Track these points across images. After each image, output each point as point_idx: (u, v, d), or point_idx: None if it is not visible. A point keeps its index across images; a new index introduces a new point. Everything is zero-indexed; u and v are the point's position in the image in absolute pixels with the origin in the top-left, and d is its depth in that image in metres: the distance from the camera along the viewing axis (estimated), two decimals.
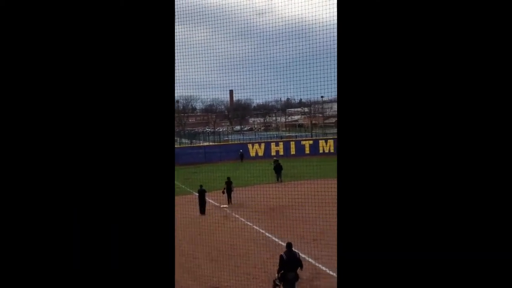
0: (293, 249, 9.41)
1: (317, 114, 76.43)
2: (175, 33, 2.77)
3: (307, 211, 13.97)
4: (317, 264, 11.53)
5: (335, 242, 10.06)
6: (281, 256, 9.24)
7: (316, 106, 73.65)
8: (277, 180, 26.92)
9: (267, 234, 14.74)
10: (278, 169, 27.45)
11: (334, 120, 77.56)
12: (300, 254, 9.66)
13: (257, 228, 15.92)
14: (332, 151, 42.46)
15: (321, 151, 42.22)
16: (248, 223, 16.59)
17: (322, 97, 60.71)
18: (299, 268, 9.22)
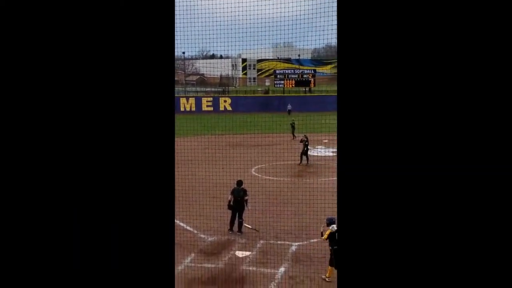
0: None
1: (178, 71, 75.21)
2: None
3: None
4: (174, 220, 11.80)
5: (194, 199, 10.28)
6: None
7: (177, 62, 72.37)
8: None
9: None
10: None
11: (195, 78, 77.25)
12: None
13: None
14: (193, 109, 42.59)
15: (182, 109, 42.08)
16: None
17: (183, 53, 59.81)
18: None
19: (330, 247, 8.34)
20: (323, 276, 8.43)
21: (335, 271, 8.19)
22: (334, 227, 8.17)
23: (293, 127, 28.82)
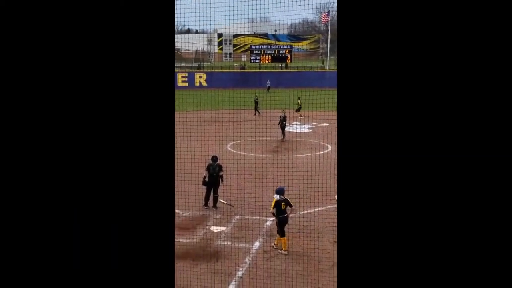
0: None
1: None
2: None
3: None
4: None
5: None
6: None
7: None
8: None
9: None
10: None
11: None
12: None
13: None
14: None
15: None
16: None
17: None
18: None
19: (275, 216, 8.59)
20: (280, 250, 8.58)
21: (287, 240, 8.44)
22: (277, 196, 8.53)
23: (256, 102, 28.79)
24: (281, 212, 8.52)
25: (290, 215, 8.72)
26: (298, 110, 27.05)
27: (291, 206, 8.66)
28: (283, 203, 8.54)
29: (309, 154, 16.31)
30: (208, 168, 11.13)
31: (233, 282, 7.56)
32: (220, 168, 11.10)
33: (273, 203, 8.63)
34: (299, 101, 26.92)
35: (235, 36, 62.89)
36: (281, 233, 8.56)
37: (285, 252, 8.48)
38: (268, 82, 42.71)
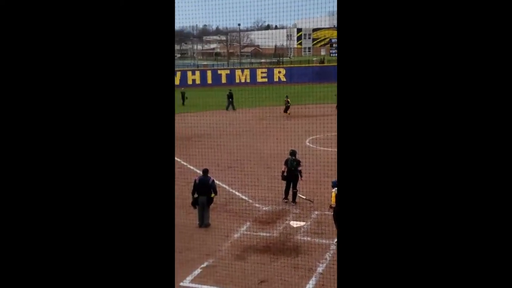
0: (209, 175, 9.79)
1: (234, 43, 75.32)
2: None
3: (223, 140, 14.25)
4: (230, 190, 12.06)
5: (249, 169, 10.56)
6: (194, 180, 9.96)
7: (233, 34, 72.39)
8: (228, 108, 27.31)
9: (182, 162, 14.92)
10: (230, 97, 27.73)
11: (250, 49, 77.04)
12: (215, 180, 10.06)
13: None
14: (248, 81, 42.66)
15: (237, 81, 42.29)
16: None
17: (239, 24, 59.65)
18: (213, 193, 9.66)
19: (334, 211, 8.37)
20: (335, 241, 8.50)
21: None
22: (336, 189, 8.19)
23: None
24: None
25: None
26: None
27: None
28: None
29: None
30: (286, 162, 11.14)
31: (313, 278, 7.53)
32: (298, 163, 11.07)
33: (333, 196, 8.38)
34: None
35: (315, 30, 62.26)
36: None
37: None
38: None
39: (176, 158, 15.61)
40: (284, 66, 49.62)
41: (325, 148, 15.98)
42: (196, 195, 9.69)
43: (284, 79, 43.63)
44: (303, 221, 9.94)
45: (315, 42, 64.40)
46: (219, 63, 59.46)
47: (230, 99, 27.72)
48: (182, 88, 31.26)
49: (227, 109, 27.24)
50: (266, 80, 43.37)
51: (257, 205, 11.01)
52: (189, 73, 42.72)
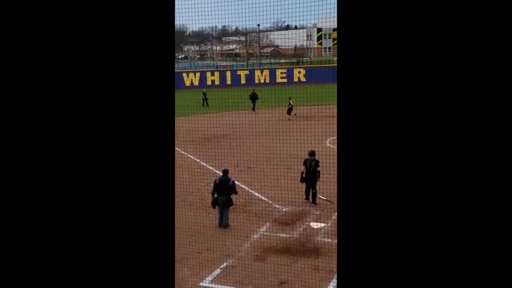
0: (229, 175, 9.79)
1: (253, 43, 75.40)
2: None
3: (242, 141, 14.24)
4: (250, 190, 12.04)
5: (269, 170, 10.49)
6: (214, 181, 9.96)
7: (253, 35, 72.48)
8: (254, 109, 27.27)
9: (202, 163, 14.98)
10: (253, 98, 27.63)
11: (270, 50, 77.01)
12: (235, 181, 10.05)
13: (192, 157, 16.10)
14: (267, 81, 42.62)
15: (256, 81, 42.31)
16: (183, 152, 16.69)
17: (258, 25, 59.69)
18: (232, 193, 9.65)
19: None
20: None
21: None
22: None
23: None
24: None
25: None
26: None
27: None
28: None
29: None
30: (305, 162, 11.06)
31: (334, 280, 7.44)
32: (317, 163, 10.97)
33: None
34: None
35: (335, 29, 61.85)
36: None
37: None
38: None
39: (195, 159, 15.70)
40: (304, 66, 49.43)
41: None
42: (216, 195, 9.71)
43: (304, 79, 43.44)
44: (324, 223, 9.85)
45: (335, 41, 63.92)
46: (238, 63, 59.61)
47: (254, 100, 27.56)
48: (204, 89, 31.45)
49: (253, 109, 27.18)
50: (285, 80, 43.25)
51: (276, 206, 10.96)
52: (208, 74, 42.95)
